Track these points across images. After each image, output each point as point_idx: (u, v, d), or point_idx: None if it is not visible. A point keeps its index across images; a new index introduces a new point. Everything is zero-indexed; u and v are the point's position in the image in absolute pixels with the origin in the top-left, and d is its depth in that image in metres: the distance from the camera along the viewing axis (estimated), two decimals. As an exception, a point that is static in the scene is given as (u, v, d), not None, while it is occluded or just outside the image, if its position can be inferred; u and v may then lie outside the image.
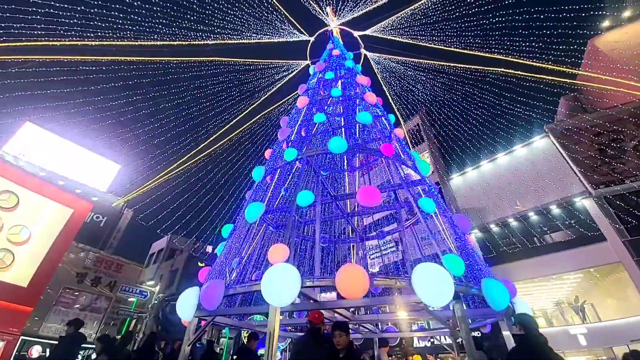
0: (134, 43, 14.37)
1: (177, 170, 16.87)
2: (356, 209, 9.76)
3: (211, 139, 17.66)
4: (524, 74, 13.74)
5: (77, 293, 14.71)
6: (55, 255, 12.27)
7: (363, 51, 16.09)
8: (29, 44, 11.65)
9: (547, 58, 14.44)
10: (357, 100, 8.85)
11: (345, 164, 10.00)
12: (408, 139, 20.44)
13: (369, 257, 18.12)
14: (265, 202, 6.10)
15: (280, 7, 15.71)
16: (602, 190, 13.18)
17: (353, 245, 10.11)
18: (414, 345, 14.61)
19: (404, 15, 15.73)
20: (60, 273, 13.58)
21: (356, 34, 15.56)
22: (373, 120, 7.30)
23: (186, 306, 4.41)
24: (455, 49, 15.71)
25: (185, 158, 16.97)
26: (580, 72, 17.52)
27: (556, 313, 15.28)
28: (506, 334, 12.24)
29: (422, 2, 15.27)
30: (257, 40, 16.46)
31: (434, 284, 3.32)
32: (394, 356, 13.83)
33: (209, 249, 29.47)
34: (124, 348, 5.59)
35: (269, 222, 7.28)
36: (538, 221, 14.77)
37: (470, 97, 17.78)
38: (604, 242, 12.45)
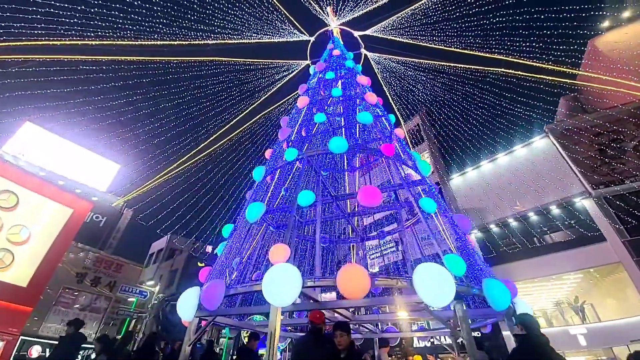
0: (134, 43, 14.36)
1: (177, 170, 16.86)
2: (356, 209, 9.77)
3: (211, 138, 17.66)
4: (524, 74, 13.76)
5: (76, 293, 14.69)
6: (55, 255, 12.25)
7: (363, 51, 16.09)
8: (29, 43, 11.64)
9: (547, 58, 14.47)
10: (358, 100, 8.85)
11: (345, 164, 10.01)
12: (408, 139, 20.43)
13: (369, 257, 18.13)
14: (266, 202, 6.10)
15: (280, 7, 15.72)
16: (602, 191, 13.19)
17: (353, 245, 10.11)
18: (414, 346, 14.61)
19: (404, 16, 15.75)
20: (60, 273, 13.57)
21: (356, 34, 15.56)
22: (373, 120, 7.30)
23: (187, 306, 4.40)
24: (455, 49, 15.72)
25: (185, 158, 16.96)
26: (580, 73, 17.54)
27: (556, 313, 15.29)
28: (506, 334, 12.26)
29: (423, 2, 15.28)
30: (257, 40, 16.46)
31: (435, 284, 3.32)
32: (394, 356, 13.82)
33: (209, 249, 29.46)
34: (124, 348, 5.57)
35: (269, 222, 7.27)
36: (538, 221, 14.78)
37: (470, 97, 17.80)
38: (604, 243, 12.46)
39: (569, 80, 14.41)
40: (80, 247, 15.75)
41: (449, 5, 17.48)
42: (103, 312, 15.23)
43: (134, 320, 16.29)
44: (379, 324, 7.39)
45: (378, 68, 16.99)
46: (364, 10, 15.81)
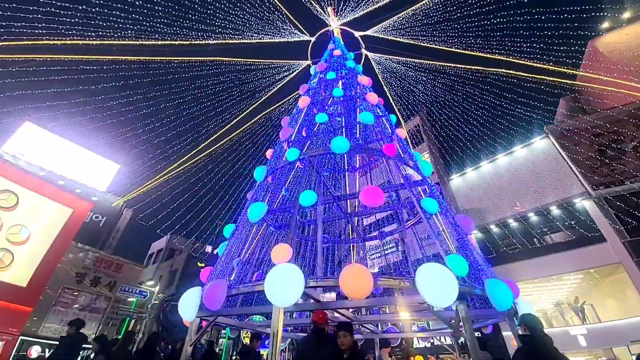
0: (135, 42, 14.34)
1: (177, 170, 16.84)
2: (356, 209, 9.77)
3: (211, 139, 17.64)
4: (524, 74, 13.78)
5: (76, 293, 14.64)
6: (55, 255, 12.22)
7: (364, 51, 16.10)
8: (29, 43, 11.62)
9: (548, 59, 14.48)
10: (358, 101, 8.85)
11: (345, 164, 10.01)
12: (408, 140, 20.44)
13: (369, 258, 18.14)
14: (266, 202, 6.09)
15: (281, 7, 15.72)
16: (602, 191, 13.21)
17: (353, 246, 10.11)
18: (414, 346, 14.61)
19: (405, 16, 15.76)
20: (60, 273, 13.53)
21: (357, 34, 15.57)
22: (375, 120, 7.30)
23: (188, 306, 4.39)
24: (456, 50, 15.74)
25: (185, 158, 16.94)
26: (580, 73, 17.58)
27: (556, 314, 15.30)
28: (506, 334, 12.26)
29: (423, 2, 15.29)
30: (258, 40, 16.46)
31: (438, 284, 3.32)
32: (394, 357, 13.82)
33: (209, 249, 29.45)
34: (125, 348, 5.55)
35: (270, 222, 7.26)
36: (538, 222, 14.79)
37: (470, 98, 17.81)
38: (604, 243, 12.47)
39: (569, 81, 14.44)
40: (80, 247, 15.71)
41: (449, 5, 17.52)
42: (103, 312, 15.18)
43: (133, 321, 16.25)
44: (380, 324, 7.39)
45: (379, 68, 17.01)
46: (365, 11, 15.83)
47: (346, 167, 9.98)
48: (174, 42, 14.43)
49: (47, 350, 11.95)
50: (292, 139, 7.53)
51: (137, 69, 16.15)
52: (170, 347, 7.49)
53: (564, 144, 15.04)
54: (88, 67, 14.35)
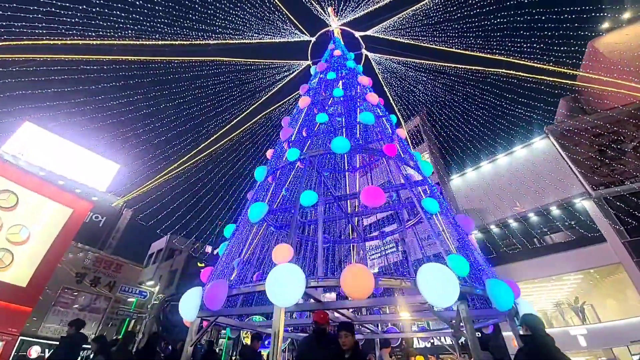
0: (135, 42, 14.34)
1: (177, 170, 16.83)
2: (357, 209, 9.76)
3: (212, 139, 17.64)
4: (524, 75, 13.79)
5: (76, 293, 14.63)
6: (55, 255, 12.21)
7: (364, 51, 16.11)
8: (30, 43, 11.61)
9: (548, 59, 14.50)
10: (358, 101, 8.85)
11: (346, 164, 10.01)
12: (408, 140, 20.44)
13: (369, 258, 18.13)
14: (267, 202, 6.09)
15: (281, 7, 15.73)
16: (602, 192, 13.21)
17: (353, 246, 10.10)
18: (414, 346, 14.61)
19: (405, 16, 15.76)
20: (60, 273, 13.52)
21: (357, 34, 15.58)
22: (375, 120, 7.30)
23: (189, 306, 4.39)
24: (456, 50, 15.75)
25: (185, 158, 16.93)
26: (580, 74, 17.59)
27: (556, 314, 15.30)
28: (506, 334, 12.27)
29: (424, 2, 15.30)
30: (258, 41, 16.46)
31: (439, 284, 3.32)
32: (394, 357, 13.81)
33: (209, 249, 29.44)
34: (125, 348, 5.54)
35: (270, 222, 7.26)
36: (538, 222, 14.80)
37: (470, 98, 17.83)
38: (604, 243, 12.48)
39: (569, 82, 14.46)
40: (80, 247, 15.70)
41: (450, 6, 17.53)
42: (102, 312, 15.17)
43: (133, 321, 16.24)
44: (380, 324, 7.39)
45: (379, 68, 17.02)
46: (365, 11, 15.84)
47: (346, 167, 9.98)
48: (174, 42, 14.44)
49: (46, 350, 11.94)
50: (293, 139, 7.53)
51: (138, 69, 16.16)
52: (170, 347, 7.49)
53: (564, 144, 15.05)
54: (88, 67, 14.35)
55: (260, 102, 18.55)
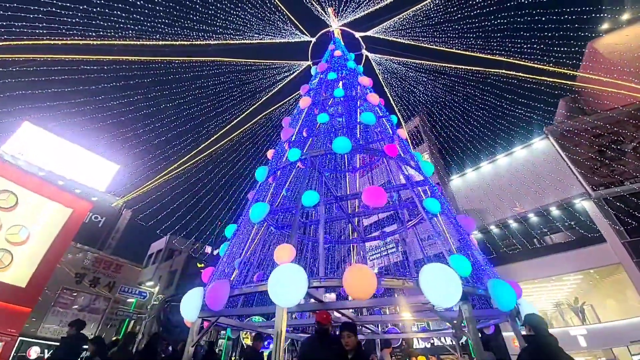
0: (135, 43, 14.33)
1: (177, 170, 16.81)
2: (357, 210, 9.76)
3: (212, 139, 17.62)
4: (524, 75, 13.81)
5: (75, 294, 14.60)
6: (54, 256, 12.16)
7: (364, 52, 16.12)
8: (30, 43, 11.59)
9: (548, 60, 14.53)
10: (359, 101, 8.85)
11: (346, 164, 10.01)
12: (409, 140, 20.45)
13: (369, 258, 18.13)
14: (267, 202, 6.08)
15: (282, 7, 15.74)
16: (601, 192, 13.24)
17: (353, 246, 10.10)
18: (414, 347, 14.59)
19: (405, 17, 15.78)
20: (59, 273, 13.48)
21: (357, 35, 15.59)
22: (376, 120, 7.30)
23: (190, 307, 4.37)
24: (456, 51, 15.77)
25: (185, 158, 16.92)
26: (579, 74, 17.63)
27: (556, 314, 15.31)
28: (506, 334, 12.27)
29: (424, 3, 15.33)
30: (259, 41, 16.46)
31: (442, 284, 3.32)
32: (394, 357, 13.80)
33: (208, 249, 29.40)
34: (126, 348, 5.52)
35: (271, 222, 7.25)
36: (538, 222, 14.82)
37: (470, 99, 17.85)
38: (604, 244, 12.50)
39: (569, 82, 14.49)
40: (79, 247, 15.67)
41: (450, 6, 17.56)
42: (102, 313, 15.14)
43: (133, 321, 16.21)
44: (381, 325, 7.38)
45: (379, 69, 17.03)
46: (365, 12, 15.86)
47: (347, 168, 9.98)
48: (174, 43, 14.42)
49: (46, 351, 11.90)
50: (293, 139, 7.53)
51: (138, 69, 16.15)
52: (170, 347, 7.47)
53: (563, 144, 15.08)
54: (88, 67, 14.33)
55: (260, 102, 18.56)
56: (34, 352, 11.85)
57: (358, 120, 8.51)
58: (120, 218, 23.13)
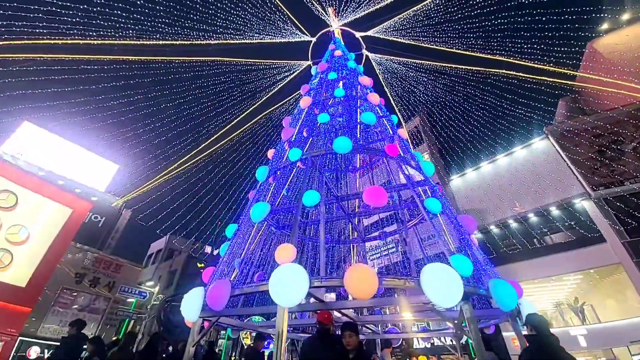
0: (136, 42, 14.32)
1: (177, 170, 16.80)
2: (357, 210, 9.76)
3: (212, 139, 17.62)
4: (524, 75, 13.82)
5: (75, 293, 14.60)
6: (54, 256, 12.15)
7: (365, 52, 16.12)
8: (30, 42, 11.58)
9: (548, 60, 14.54)
10: (359, 101, 8.85)
11: (345, 164, 10.00)
12: (409, 140, 20.43)
13: (369, 258, 18.13)
14: (268, 202, 6.07)
15: (282, 7, 15.73)
16: (601, 192, 13.25)
17: (354, 246, 10.10)
18: (414, 347, 14.60)
19: (405, 17, 15.79)
20: (59, 273, 13.48)
21: (358, 34, 15.59)
22: (377, 120, 7.31)
23: (191, 306, 4.37)
24: (456, 50, 15.77)
25: (185, 158, 16.91)
26: (579, 74, 17.64)
27: (556, 314, 15.32)
28: (506, 334, 12.28)
29: (424, 3, 15.33)
30: (259, 41, 16.46)
31: (443, 284, 3.31)
32: (394, 357, 13.80)
33: (208, 249, 29.39)
34: (126, 348, 5.52)
35: (271, 222, 7.25)
36: (538, 222, 14.83)
37: (471, 99, 17.86)
38: (604, 244, 12.51)
39: (569, 82, 14.50)
40: (79, 247, 15.66)
41: (450, 6, 17.57)
42: (102, 312, 15.14)
43: (132, 321, 16.20)
44: (381, 324, 7.38)
45: (379, 69, 17.04)
46: (366, 12, 15.86)
47: (347, 168, 9.97)
48: (175, 42, 14.42)
49: (46, 350, 11.90)
50: (293, 139, 7.53)
51: (138, 69, 16.13)
52: (171, 347, 7.47)
53: (563, 144, 15.09)
54: (89, 67, 14.32)
55: (260, 102, 18.56)
56: (34, 352, 11.84)
57: (358, 120, 8.51)
58: (120, 218, 23.10)
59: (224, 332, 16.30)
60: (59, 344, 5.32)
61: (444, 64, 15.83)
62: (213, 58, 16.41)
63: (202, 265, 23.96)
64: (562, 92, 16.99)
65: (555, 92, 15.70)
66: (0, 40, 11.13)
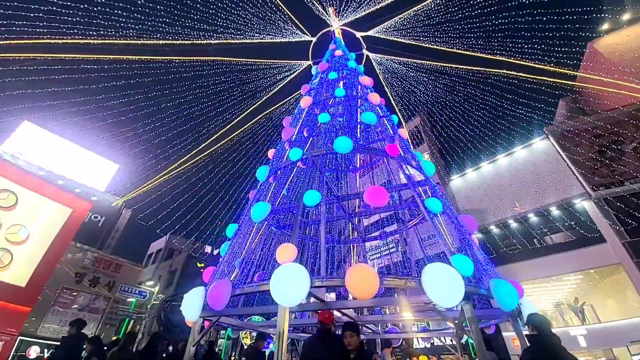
0: (136, 42, 14.32)
1: (177, 170, 16.80)
2: (357, 210, 9.75)
3: (212, 138, 17.61)
4: (525, 75, 13.82)
5: (75, 293, 14.59)
6: (54, 255, 12.14)
7: (365, 52, 16.11)
8: (30, 42, 11.57)
9: (549, 60, 14.54)
10: (360, 101, 8.85)
11: (345, 164, 10.00)
12: (409, 140, 20.42)
13: (369, 258, 18.12)
14: (268, 201, 6.07)
15: (282, 7, 15.73)
16: (601, 192, 13.25)
17: (354, 246, 10.09)
18: (414, 346, 14.60)
19: (406, 17, 15.78)
20: (59, 273, 13.47)
21: (358, 34, 15.58)
22: (377, 120, 7.30)
23: (192, 306, 4.36)
24: (457, 50, 15.77)
25: (185, 158, 16.90)
26: (580, 74, 17.64)
27: (556, 314, 15.33)
28: (506, 335, 12.28)
29: (425, 3, 15.32)
30: (259, 40, 16.46)
31: (444, 284, 3.31)
32: (394, 357, 13.80)
33: (208, 249, 29.39)
34: (127, 348, 5.51)
35: (271, 222, 7.24)
36: (538, 222, 14.83)
37: (471, 99, 17.86)
38: (604, 244, 12.51)
39: (569, 82, 14.49)
40: (79, 247, 15.65)
41: (451, 6, 17.57)
42: (102, 312, 15.13)
43: (132, 321, 16.20)
44: (381, 324, 7.38)
45: (380, 69, 17.03)
46: (366, 12, 15.85)
47: (347, 167, 9.97)
48: (175, 42, 14.41)
49: (45, 350, 11.89)
50: (294, 139, 7.52)
51: (138, 69, 16.12)
52: (171, 347, 7.47)
53: (564, 144, 15.09)
54: (89, 67, 14.31)
55: (261, 102, 18.56)
56: (34, 351, 11.84)
57: (359, 120, 8.51)
58: (120, 217, 23.10)
59: (224, 331, 16.30)
60: (59, 343, 5.31)
61: (444, 64, 15.84)
62: (213, 58, 16.41)
63: (202, 265, 23.96)
64: (562, 92, 16.99)
65: (556, 92, 15.70)
66: (0, 40, 11.12)
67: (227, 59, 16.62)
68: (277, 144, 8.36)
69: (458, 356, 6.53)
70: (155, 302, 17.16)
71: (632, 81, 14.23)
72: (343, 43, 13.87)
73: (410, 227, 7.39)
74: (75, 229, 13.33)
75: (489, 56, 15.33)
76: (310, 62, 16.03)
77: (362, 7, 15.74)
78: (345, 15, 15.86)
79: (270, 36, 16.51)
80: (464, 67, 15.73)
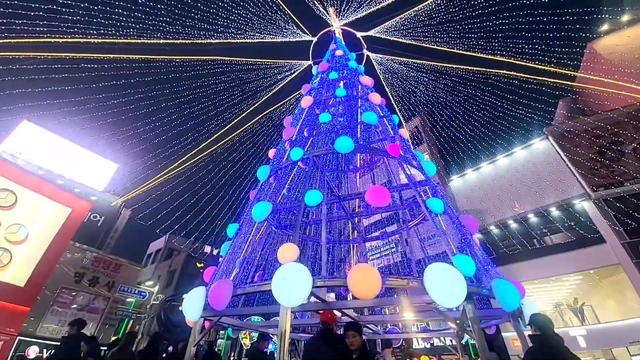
0: (136, 41, 14.29)
1: (176, 170, 16.77)
2: (357, 210, 9.75)
3: (212, 138, 17.59)
4: (525, 75, 13.83)
5: (74, 293, 14.54)
6: (53, 255, 12.12)
7: (365, 52, 16.11)
8: (30, 41, 11.55)
9: (549, 60, 14.56)
10: (360, 101, 8.85)
11: (345, 164, 10.00)
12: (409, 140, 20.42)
13: (369, 258, 18.11)
14: (267, 201, 6.05)
15: (283, 6, 15.72)
16: (601, 193, 13.27)
17: (354, 246, 10.09)
18: (414, 347, 14.59)
19: (406, 17, 15.79)
20: (58, 273, 13.43)
21: (358, 34, 15.58)
22: (378, 120, 7.30)
23: (193, 306, 4.35)
24: (457, 51, 15.78)
25: (185, 158, 16.88)
26: (579, 75, 17.67)
27: (555, 315, 15.34)
28: (506, 335, 12.28)
29: (425, 3, 15.33)
30: (260, 40, 16.45)
31: (446, 284, 3.30)
32: (394, 358, 13.79)
33: (208, 249, 29.32)
34: (127, 348, 5.50)
35: (272, 222, 7.23)
36: (538, 223, 14.84)
37: (471, 99, 17.87)
38: (604, 244, 12.52)
39: (569, 83, 14.51)
40: (79, 246, 15.60)
41: (451, 7, 17.59)
42: (101, 312, 15.08)
43: (132, 321, 16.15)
44: (381, 324, 7.37)
45: (380, 69, 17.04)
46: (367, 12, 15.85)
47: (348, 167, 9.97)
48: (175, 41, 14.40)
49: (44, 350, 11.85)
50: (294, 138, 7.51)
51: (138, 68, 16.09)
52: (171, 347, 7.45)
53: (563, 145, 15.11)
54: (89, 66, 14.28)
55: (261, 101, 18.55)
56: (33, 351, 11.80)
57: (359, 120, 8.50)
58: (120, 217, 23.03)
59: (223, 332, 16.27)
60: (58, 343, 5.30)
61: (444, 64, 15.85)
62: (214, 57, 16.39)
63: (202, 265, 23.93)
64: (562, 92, 17.01)
65: (556, 92, 15.72)
66: (0, 39, 11.08)
67: (228, 58, 16.61)
68: (277, 144, 8.35)
69: (458, 356, 6.52)
70: (154, 302, 17.12)
71: (631, 82, 14.25)
72: (343, 43, 13.87)
73: (411, 228, 7.39)
74: (75, 229, 13.30)
75: (489, 56, 15.35)
76: (310, 62, 16.03)
77: (363, 7, 15.75)
78: (345, 15, 15.87)
79: (271, 36, 16.51)
80: (464, 67, 15.75)
